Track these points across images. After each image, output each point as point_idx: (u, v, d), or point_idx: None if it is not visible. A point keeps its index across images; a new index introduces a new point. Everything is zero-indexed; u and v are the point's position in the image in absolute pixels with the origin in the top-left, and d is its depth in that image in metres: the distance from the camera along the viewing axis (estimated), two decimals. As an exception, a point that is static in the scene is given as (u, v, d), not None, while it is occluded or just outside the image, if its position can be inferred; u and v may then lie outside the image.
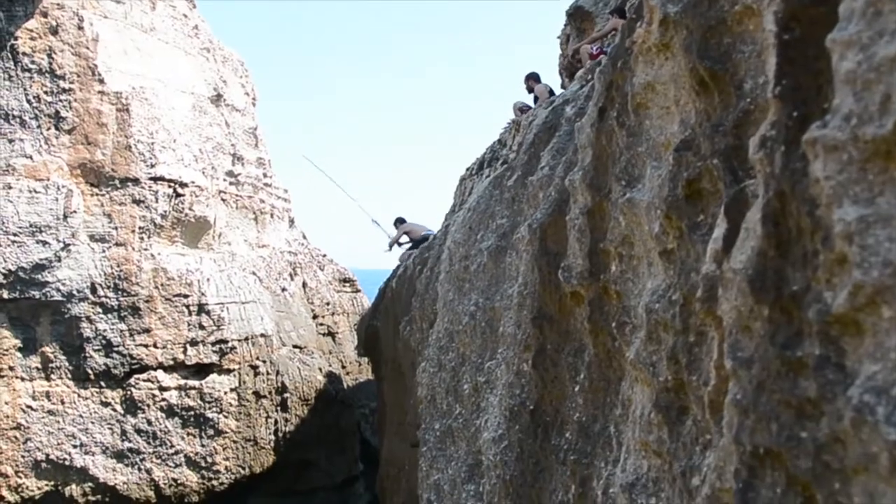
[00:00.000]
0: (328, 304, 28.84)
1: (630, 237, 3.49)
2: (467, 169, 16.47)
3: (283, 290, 26.24)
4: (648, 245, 3.29)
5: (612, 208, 3.66)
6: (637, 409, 3.29)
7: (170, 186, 23.44)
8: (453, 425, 6.27)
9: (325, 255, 31.87)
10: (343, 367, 27.75)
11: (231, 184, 25.65)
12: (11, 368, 22.09)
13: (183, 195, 23.56)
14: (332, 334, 28.33)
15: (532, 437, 4.53)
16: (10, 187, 21.88)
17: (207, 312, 22.80)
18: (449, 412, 6.51)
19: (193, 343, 22.72)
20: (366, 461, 26.29)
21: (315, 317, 27.83)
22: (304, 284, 28.46)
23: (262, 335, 23.81)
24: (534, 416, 4.58)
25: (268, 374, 23.49)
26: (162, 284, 22.63)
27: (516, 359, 4.91)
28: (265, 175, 28.30)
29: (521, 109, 14.34)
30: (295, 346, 25.19)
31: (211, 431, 22.87)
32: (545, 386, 4.55)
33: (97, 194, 22.82)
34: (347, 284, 31.41)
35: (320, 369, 24.64)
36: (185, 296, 22.73)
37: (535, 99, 13.93)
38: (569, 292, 4.24)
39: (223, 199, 25.13)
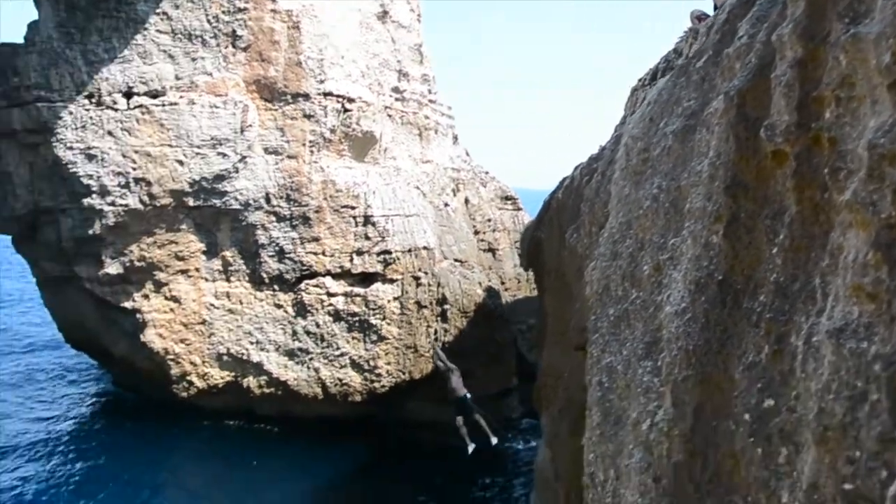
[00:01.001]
0: (489, 220, 29.13)
1: (851, 77, 3.28)
2: (639, 80, 15.88)
3: (446, 205, 26.71)
4: (874, 81, 3.08)
5: (831, 50, 3.44)
6: (850, 254, 3.14)
7: (338, 101, 24.15)
8: (629, 308, 6.24)
9: (487, 173, 32.07)
10: (502, 282, 28.12)
11: (397, 100, 26.11)
12: (197, 270, 23.96)
13: (350, 110, 24.24)
14: (492, 250, 28.68)
15: (719, 307, 4.44)
16: (193, 103, 23.26)
17: (373, 224, 23.62)
18: (624, 297, 6.48)
19: (359, 253, 23.69)
20: (520, 375, 26.73)
21: (476, 233, 28.23)
22: (467, 200, 28.84)
23: (424, 248, 24.44)
24: (722, 286, 4.47)
25: (429, 285, 24.17)
26: (330, 196, 23.60)
27: (705, 231, 4.78)
28: (430, 91, 28.59)
29: (699, 17, 13.63)
30: (456, 260, 25.72)
31: (374, 337, 23.95)
32: (736, 255, 4.43)
33: (271, 109, 23.86)
34: (509, 202, 31.54)
35: (480, 284, 25.10)
36: (352, 207, 23.63)
37: (715, 6, 13.16)
38: (770, 153, 4.06)
39: (389, 115, 25.66)
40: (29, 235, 26.15)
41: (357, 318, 23.88)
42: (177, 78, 23.48)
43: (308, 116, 23.78)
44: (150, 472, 22.39)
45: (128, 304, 24.28)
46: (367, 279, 24.05)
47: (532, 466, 20.56)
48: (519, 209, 32.03)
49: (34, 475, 21.89)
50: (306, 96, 23.80)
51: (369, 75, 25.58)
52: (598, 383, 6.64)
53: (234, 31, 23.71)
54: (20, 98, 23.66)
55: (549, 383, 16.62)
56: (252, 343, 24.12)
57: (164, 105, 23.08)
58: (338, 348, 24.05)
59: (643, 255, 6.14)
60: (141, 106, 23.04)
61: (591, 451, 6.61)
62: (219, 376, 24.46)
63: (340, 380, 24.20)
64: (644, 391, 5.41)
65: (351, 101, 24.36)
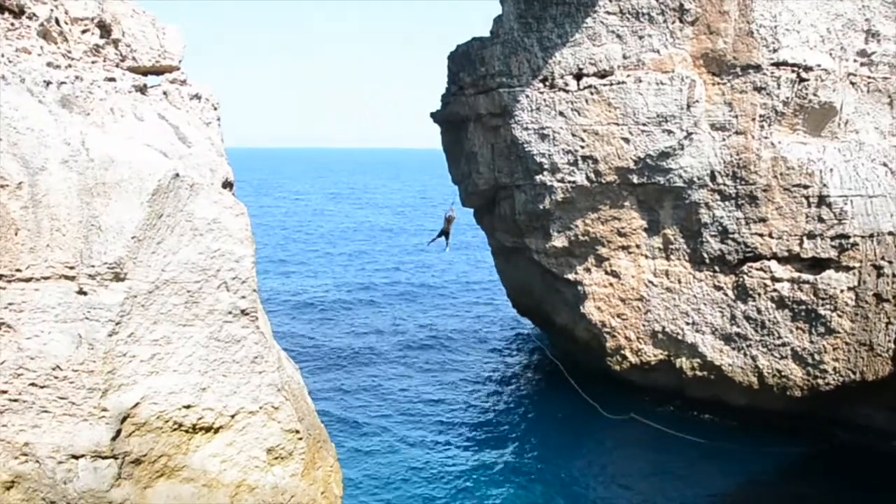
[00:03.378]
0: (976, 204, 24.78)
1: None
2: None
3: (920, 185, 23.34)
4: None
5: None
6: None
7: (793, 71, 22.46)
8: None
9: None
10: None
11: (862, 65, 23.36)
12: (637, 246, 24.32)
13: (807, 80, 22.37)
14: (977, 239, 24.40)
15: None
16: (639, 80, 23.44)
17: (828, 205, 21.63)
18: None
19: (811, 236, 21.90)
20: None
21: (957, 218, 24.24)
22: (947, 180, 24.90)
23: (889, 233, 21.73)
24: None
25: (893, 276, 21.47)
26: (781, 174, 22.12)
27: None
28: (905, 53, 25.04)
29: None
30: (929, 249, 22.41)
31: (822, 329, 22.07)
32: None
33: (718, 83, 23.07)
34: None
35: (959, 278, 21.53)
36: (805, 186, 21.88)
37: None
38: None
39: (852, 83, 23.11)
40: (488, 209, 29.08)
41: (803, 307, 22.12)
42: (624, 57, 23.81)
43: (758, 89, 22.46)
44: (572, 441, 23.53)
45: (570, 276, 25.60)
46: (817, 265, 22.10)
47: None
48: None
49: (461, 423, 24.48)
50: (757, 68, 22.46)
51: (830, 39, 23.19)
52: None
53: (681, 6, 23.17)
54: (486, 85, 26.21)
55: None
56: (688, 323, 23.78)
57: (611, 84, 23.60)
58: (779, 337, 22.58)
59: None
60: (590, 86, 23.84)
61: None
62: (651, 354, 24.62)
63: (779, 371, 22.75)
64: None
65: (808, 69, 22.38)
